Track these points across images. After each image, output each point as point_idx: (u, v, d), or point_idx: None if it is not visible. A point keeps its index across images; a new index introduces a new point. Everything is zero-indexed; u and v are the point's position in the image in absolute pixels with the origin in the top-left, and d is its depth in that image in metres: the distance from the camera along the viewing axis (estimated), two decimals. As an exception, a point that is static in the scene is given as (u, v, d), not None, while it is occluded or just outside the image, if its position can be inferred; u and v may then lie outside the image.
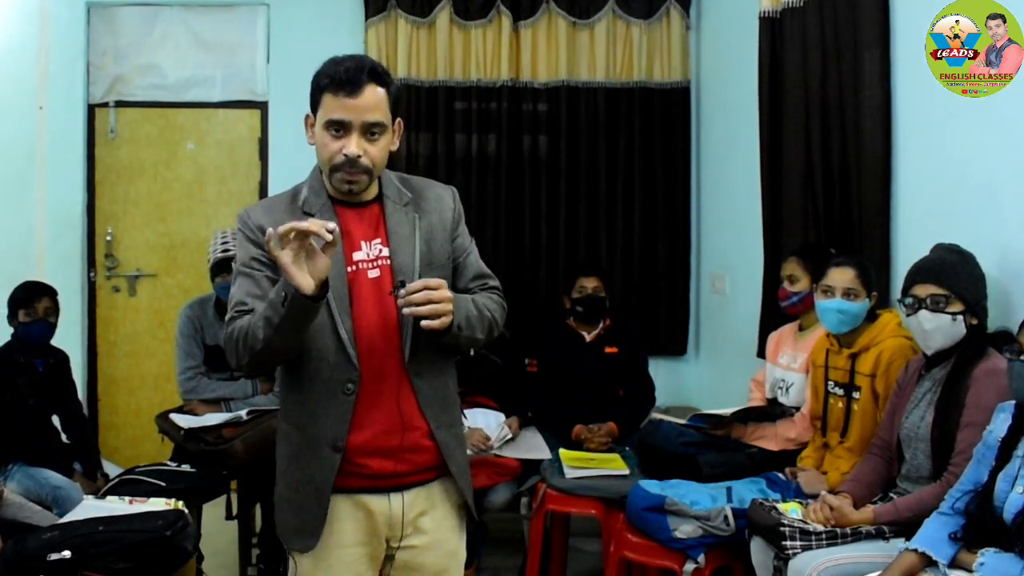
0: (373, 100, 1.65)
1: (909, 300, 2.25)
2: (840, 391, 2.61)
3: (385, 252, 1.74)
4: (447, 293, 1.63)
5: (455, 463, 1.79)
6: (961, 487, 1.99)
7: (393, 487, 1.74)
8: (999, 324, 2.21)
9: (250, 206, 1.79)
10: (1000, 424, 1.95)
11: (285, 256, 1.50)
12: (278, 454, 1.81)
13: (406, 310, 1.60)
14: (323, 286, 1.55)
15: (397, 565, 1.80)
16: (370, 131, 1.66)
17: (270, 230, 1.50)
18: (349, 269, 1.71)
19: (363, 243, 1.73)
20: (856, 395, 2.56)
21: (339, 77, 1.64)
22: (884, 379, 2.48)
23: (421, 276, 1.69)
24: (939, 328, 2.20)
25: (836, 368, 2.62)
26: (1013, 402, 1.94)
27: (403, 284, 1.62)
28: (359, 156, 1.65)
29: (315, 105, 1.69)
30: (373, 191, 1.77)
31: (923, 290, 2.22)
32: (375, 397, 1.71)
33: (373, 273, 1.72)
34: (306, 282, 1.51)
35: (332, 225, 1.50)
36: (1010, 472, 1.88)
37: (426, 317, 1.59)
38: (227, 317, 1.71)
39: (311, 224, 1.49)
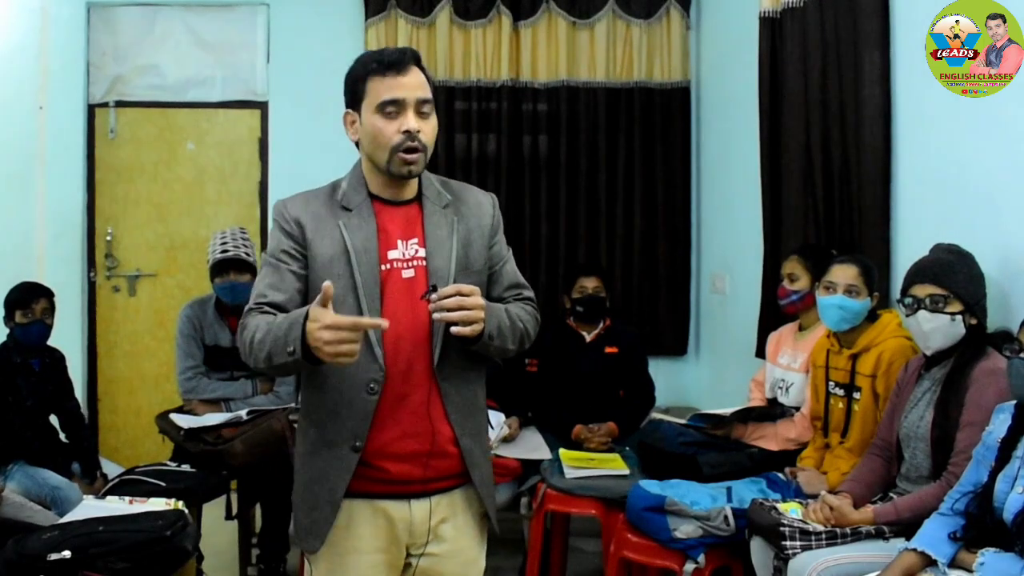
0: (420, 80, 1.69)
1: (908, 300, 2.25)
2: (841, 391, 2.61)
3: (421, 253, 1.72)
4: (480, 300, 1.61)
5: (478, 472, 1.75)
6: (961, 488, 1.99)
7: (414, 493, 1.71)
8: (999, 324, 2.21)
9: (287, 197, 1.78)
10: (1000, 425, 1.95)
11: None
12: (295, 452, 1.79)
13: (437, 315, 1.59)
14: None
15: (416, 573, 1.76)
16: (421, 109, 1.68)
17: (327, 283, 1.49)
18: (383, 267, 1.69)
19: (399, 242, 1.72)
20: (857, 395, 2.56)
21: (386, 60, 1.67)
22: (885, 379, 2.48)
23: (456, 281, 1.67)
24: (938, 328, 2.20)
25: (837, 368, 2.62)
26: (1013, 402, 1.94)
27: (435, 288, 1.61)
28: (418, 131, 1.66)
29: (358, 96, 1.70)
30: (412, 190, 1.76)
31: (922, 290, 2.22)
32: (400, 399, 1.68)
33: (407, 273, 1.70)
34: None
35: (385, 323, 1.53)
36: (1009, 473, 1.88)
37: (456, 323, 1.58)
38: (247, 307, 1.70)
39: (362, 321, 1.51)
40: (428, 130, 1.69)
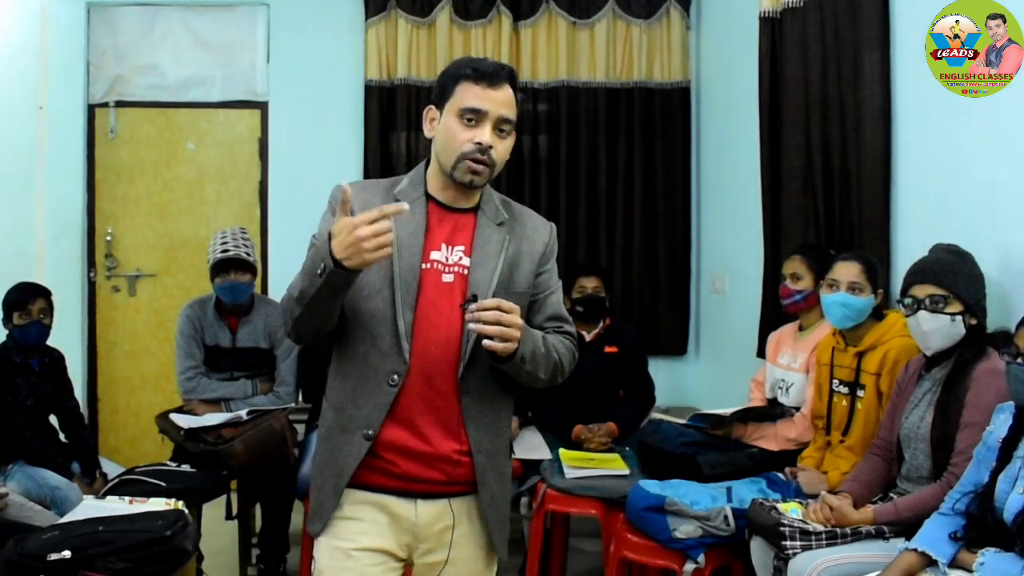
0: (509, 98, 1.68)
1: (908, 301, 2.25)
2: (845, 389, 2.61)
3: (465, 261, 1.70)
4: (518, 320, 1.59)
5: (488, 492, 1.71)
6: (961, 488, 1.99)
7: (423, 493, 1.68)
8: (999, 324, 2.21)
9: (348, 182, 1.71)
10: (1000, 425, 1.95)
11: (364, 230, 1.49)
12: (316, 434, 1.80)
13: (472, 325, 1.57)
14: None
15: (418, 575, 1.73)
16: (501, 127, 1.67)
17: (344, 183, 1.53)
18: (424, 266, 1.68)
19: (443, 245, 1.70)
20: (860, 393, 2.56)
21: (483, 69, 1.67)
22: (889, 378, 2.48)
23: (494, 296, 1.65)
24: (938, 329, 2.20)
25: (841, 366, 2.62)
26: (1013, 403, 1.94)
27: (475, 298, 1.59)
28: (491, 146, 1.65)
29: (445, 95, 1.69)
30: (472, 201, 1.74)
31: (922, 291, 2.22)
32: (419, 399, 1.67)
33: (447, 277, 1.69)
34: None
35: (405, 206, 1.52)
36: (1010, 473, 1.88)
37: (490, 337, 1.57)
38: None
39: (387, 208, 1.50)
40: (502, 149, 1.69)
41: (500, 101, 1.66)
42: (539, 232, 1.81)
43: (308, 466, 1.87)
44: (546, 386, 1.77)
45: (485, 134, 1.65)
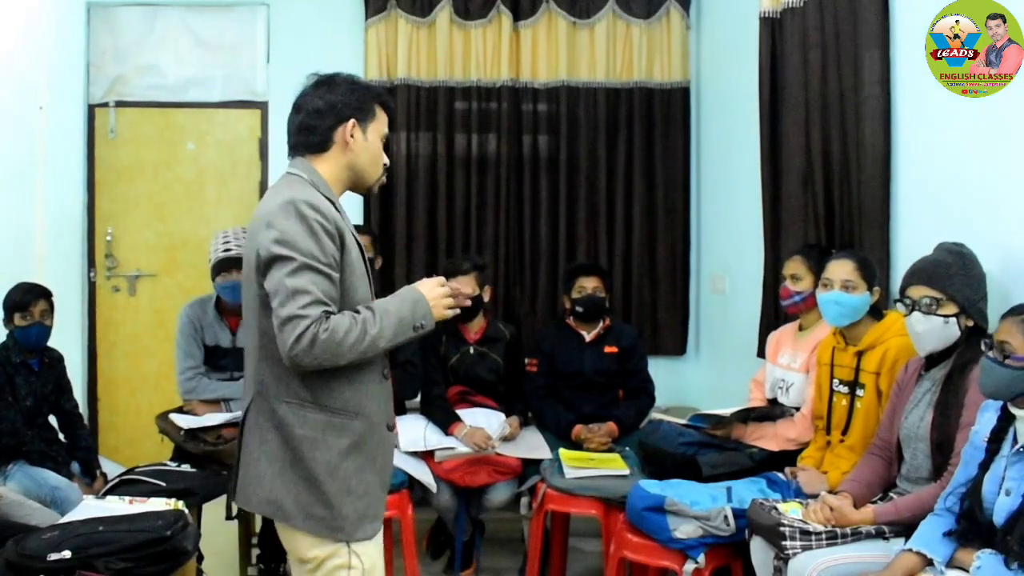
0: None
1: (906, 301, 2.25)
2: (844, 389, 2.61)
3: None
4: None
5: None
6: (952, 487, 2.00)
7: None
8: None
9: (308, 196, 1.82)
10: (985, 424, 1.96)
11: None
12: (326, 451, 1.76)
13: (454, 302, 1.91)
14: None
15: None
16: None
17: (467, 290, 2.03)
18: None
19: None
20: (860, 393, 2.56)
21: (392, 104, 1.98)
22: (889, 377, 2.48)
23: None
24: (931, 331, 2.20)
25: (841, 366, 2.63)
26: (1000, 402, 1.94)
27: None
28: None
29: (368, 115, 1.89)
30: None
31: (917, 292, 2.23)
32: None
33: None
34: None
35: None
36: (996, 472, 1.89)
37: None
38: (309, 312, 1.66)
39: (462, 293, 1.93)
40: None
41: None
42: None
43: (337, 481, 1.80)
44: None
45: (384, 153, 1.96)
